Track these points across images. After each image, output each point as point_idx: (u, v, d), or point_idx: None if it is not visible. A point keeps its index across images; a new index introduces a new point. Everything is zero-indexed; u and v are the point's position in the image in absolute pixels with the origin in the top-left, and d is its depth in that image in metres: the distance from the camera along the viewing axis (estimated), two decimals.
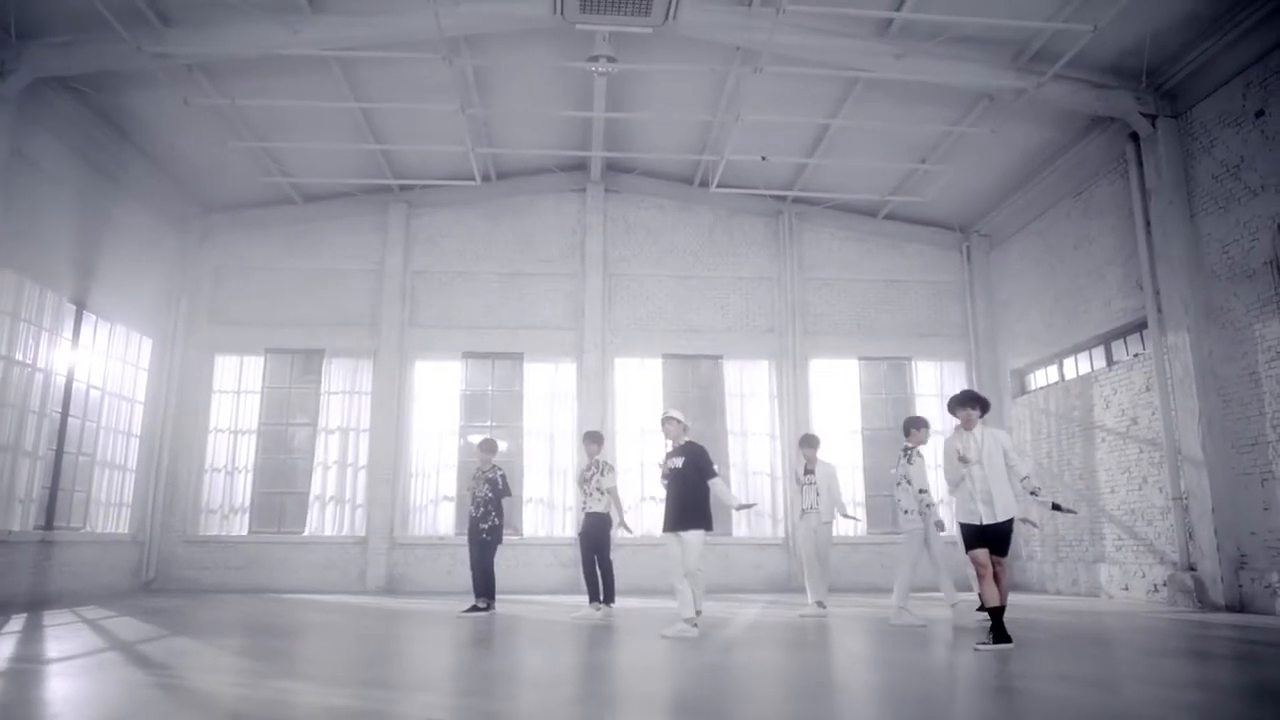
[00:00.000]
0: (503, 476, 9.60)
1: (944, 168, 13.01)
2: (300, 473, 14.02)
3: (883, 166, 13.45)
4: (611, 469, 9.43)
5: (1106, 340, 12.07)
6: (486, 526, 9.42)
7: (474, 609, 9.23)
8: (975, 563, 6.41)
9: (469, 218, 15.04)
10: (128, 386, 12.88)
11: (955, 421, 6.76)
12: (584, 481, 9.38)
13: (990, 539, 6.44)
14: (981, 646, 6.12)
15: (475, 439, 9.91)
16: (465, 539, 9.62)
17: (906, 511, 8.12)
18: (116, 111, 11.46)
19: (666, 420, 7.51)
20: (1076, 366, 12.84)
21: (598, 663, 5.75)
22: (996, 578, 6.41)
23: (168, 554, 13.35)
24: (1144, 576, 10.84)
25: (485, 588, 9.33)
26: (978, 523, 6.40)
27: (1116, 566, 11.38)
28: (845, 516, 9.50)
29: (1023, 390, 14.36)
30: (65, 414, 11.34)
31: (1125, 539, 11.26)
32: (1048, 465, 13.12)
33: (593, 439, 9.53)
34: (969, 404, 6.63)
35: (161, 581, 13.20)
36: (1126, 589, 11.14)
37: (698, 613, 7.34)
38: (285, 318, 14.40)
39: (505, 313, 14.68)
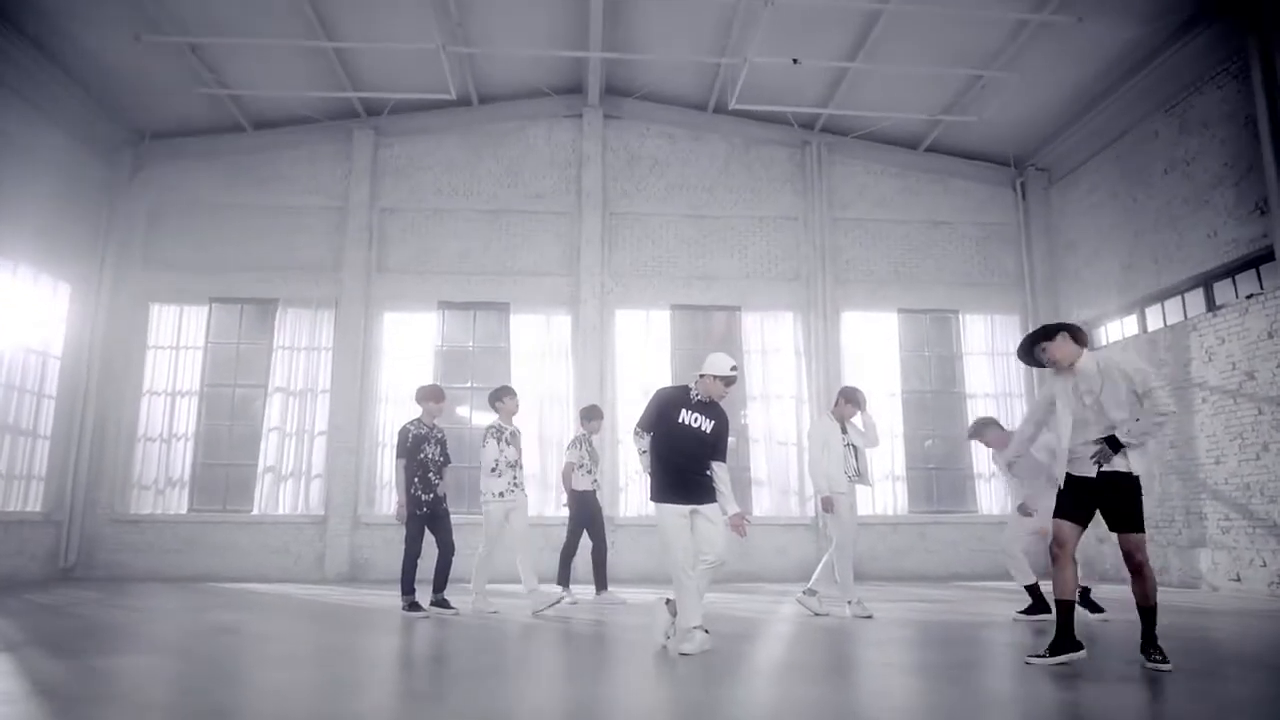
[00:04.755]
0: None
1: (1008, 76, 10.90)
2: (249, 441, 12.01)
3: (935, 75, 11.29)
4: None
5: (1207, 280, 10.02)
6: (444, 497, 7.44)
7: (415, 606, 7.20)
8: (1055, 537, 4.68)
9: (447, 146, 12.95)
10: (39, 339, 10.87)
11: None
12: (592, 457, 8.64)
13: (1106, 499, 4.67)
14: (1035, 660, 4.53)
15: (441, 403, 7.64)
16: (421, 518, 7.38)
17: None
18: (10, 3, 9.37)
19: (733, 373, 5.41)
20: (1164, 314, 10.80)
21: (603, 701, 3.78)
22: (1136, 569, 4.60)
23: (92, 535, 11.39)
24: (1264, 565, 8.85)
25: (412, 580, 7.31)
26: (1093, 474, 4.69)
27: (1223, 552, 9.40)
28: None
29: (1091, 346, 12.30)
30: None
31: (1235, 519, 9.28)
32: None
33: (597, 414, 8.96)
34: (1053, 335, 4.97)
35: (84, 568, 11.26)
36: (1238, 579, 9.17)
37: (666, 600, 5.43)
38: (233, 262, 12.35)
39: (489, 256, 12.63)
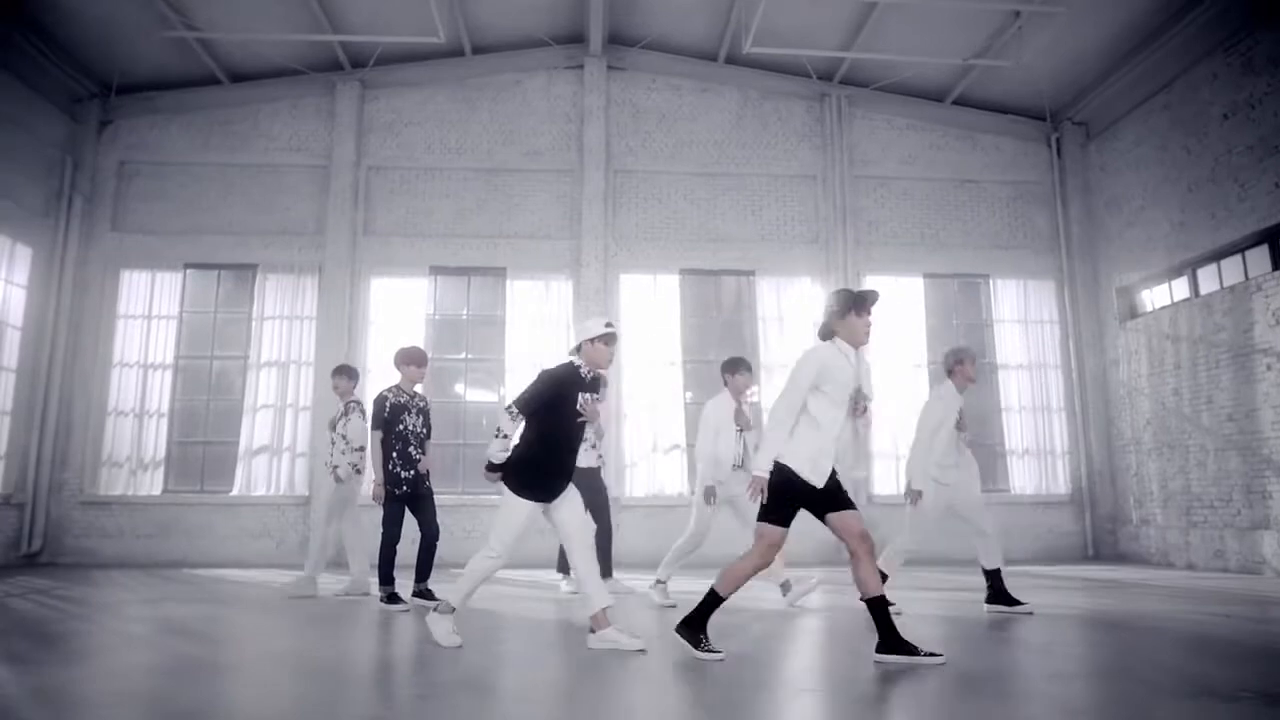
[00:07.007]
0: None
1: (1050, 11, 9.93)
2: (228, 417, 11.20)
3: (968, 12, 10.29)
4: None
5: (1273, 235, 9.09)
6: (426, 474, 6.63)
7: (394, 599, 6.41)
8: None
9: (438, 100, 12.03)
10: None
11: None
12: (596, 431, 7.46)
13: None
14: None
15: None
16: (400, 499, 6.60)
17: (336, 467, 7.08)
18: None
19: (610, 329, 4.66)
20: (1220, 275, 9.88)
21: None
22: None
23: (59, 519, 10.62)
24: None
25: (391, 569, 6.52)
26: None
27: None
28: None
29: (1132, 313, 11.42)
30: None
31: None
32: (1175, 405, 10.24)
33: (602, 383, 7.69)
34: None
35: (51, 553, 10.49)
36: None
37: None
38: (209, 225, 11.50)
39: (484, 218, 11.74)
